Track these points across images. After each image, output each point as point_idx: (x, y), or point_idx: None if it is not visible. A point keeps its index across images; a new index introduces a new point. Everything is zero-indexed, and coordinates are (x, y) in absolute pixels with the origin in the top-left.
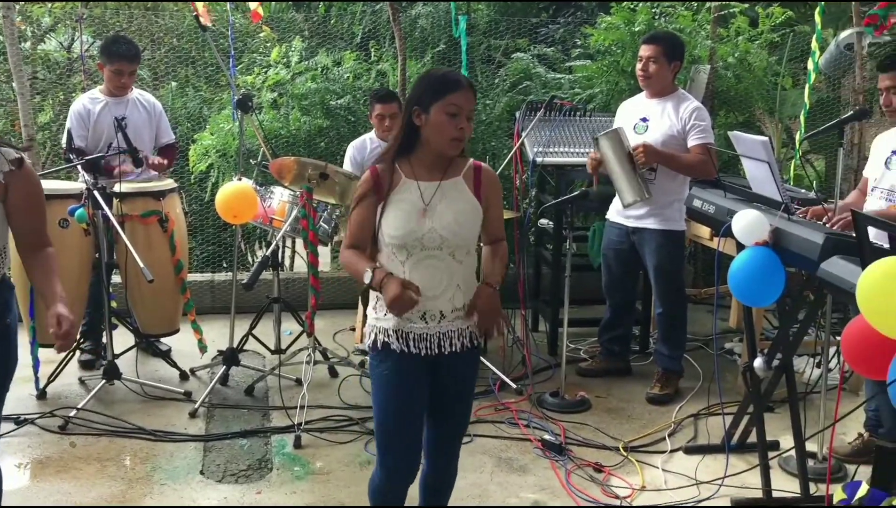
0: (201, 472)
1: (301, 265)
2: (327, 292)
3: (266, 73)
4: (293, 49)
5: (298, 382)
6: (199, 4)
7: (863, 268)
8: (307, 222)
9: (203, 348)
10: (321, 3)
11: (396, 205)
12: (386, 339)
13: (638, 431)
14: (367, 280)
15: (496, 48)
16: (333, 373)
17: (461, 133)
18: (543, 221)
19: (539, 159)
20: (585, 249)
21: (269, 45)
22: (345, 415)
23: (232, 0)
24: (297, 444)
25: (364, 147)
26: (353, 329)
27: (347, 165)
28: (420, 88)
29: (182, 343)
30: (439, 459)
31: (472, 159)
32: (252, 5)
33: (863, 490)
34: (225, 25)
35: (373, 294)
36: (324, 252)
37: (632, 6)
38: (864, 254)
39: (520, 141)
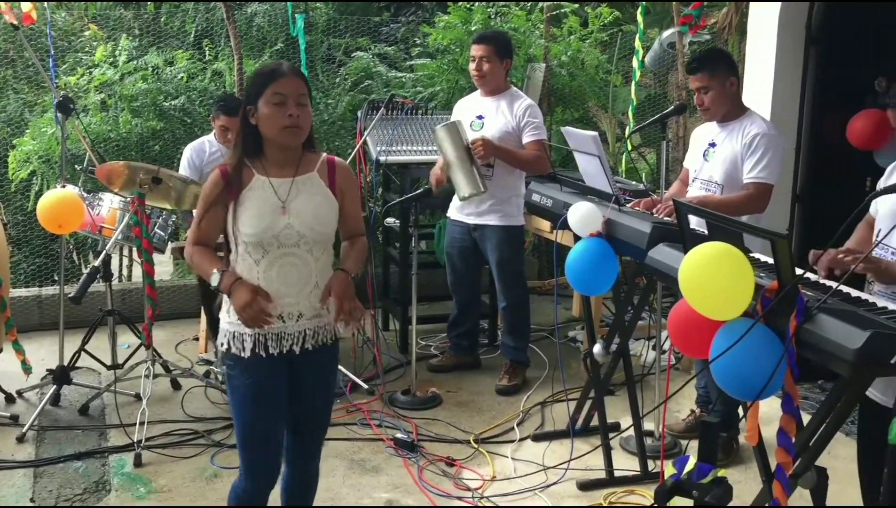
0: (31, 500)
1: (140, 275)
2: (168, 302)
3: (91, 73)
4: (120, 48)
5: (138, 397)
6: (2, 4)
7: (684, 254)
8: (140, 229)
9: (28, 369)
10: (150, 1)
11: (250, 203)
12: (242, 343)
13: (488, 423)
14: (214, 282)
15: (336, 47)
16: (176, 386)
17: (292, 120)
18: (390, 219)
19: (383, 158)
20: (433, 246)
21: (95, 43)
22: (189, 429)
23: None
24: (138, 462)
25: (203, 150)
26: (197, 339)
27: (184, 169)
28: (248, 86)
29: (6, 364)
30: (301, 461)
31: (324, 154)
32: (25, 6)
33: (690, 463)
34: (44, 23)
35: (225, 299)
36: (163, 260)
37: (468, 6)
38: (685, 240)
39: (362, 140)
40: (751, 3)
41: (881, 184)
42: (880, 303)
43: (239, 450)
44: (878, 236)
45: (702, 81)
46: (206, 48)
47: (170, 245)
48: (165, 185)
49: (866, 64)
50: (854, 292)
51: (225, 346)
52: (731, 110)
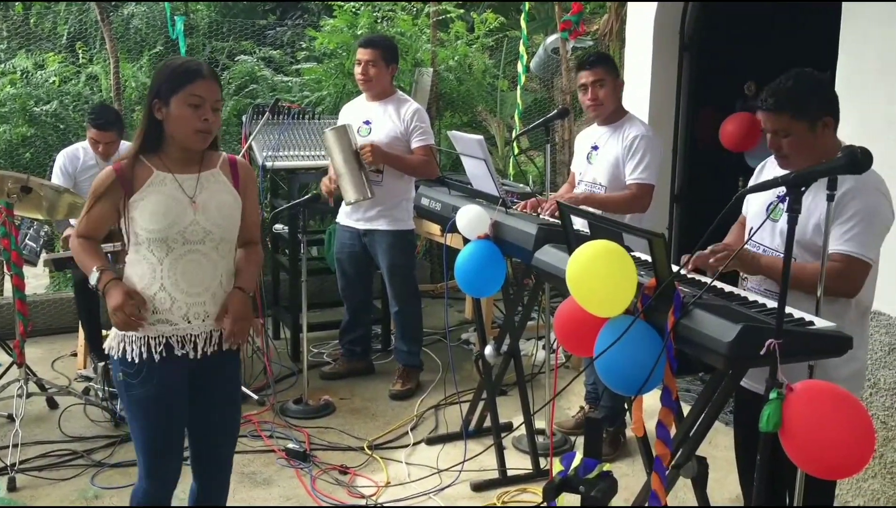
0: None
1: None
2: (44, 317)
3: None
4: None
5: (11, 418)
6: None
7: (569, 254)
8: (8, 241)
9: None
10: (17, 2)
11: (152, 198)
12: (142, 348)
13: (382, 428)
14: (93, 281)
15: (220, 50)
16: (53, 405)
17: (206, 125)
18: (278, 226)
19: (269, 164)
20: (323, 252)
21: None
22: (67, 449)
23: None
24: (12, 487)
25: (76, 157)
26: (75, 355)
27: (57, 177)
28: (159, 79)
29: None
30: (210, 474)
31: (224, 153)
32: None
33: (577, 459)
34: None
35: None
36: (37, 272)
37: (354, 9)
38: (570, 241)
39: (247, 145)
40: (628, 10)
41: (750, 183)
42: (751, 298)
43: (140, 458)
44: (749, 233)
45: (599, 75)
46: (80, 51)
47: (43, 257)
48: (36, 194)
49: (737, 69)
50: (728, 288)
51: (120, 352)
52: (616, 112)
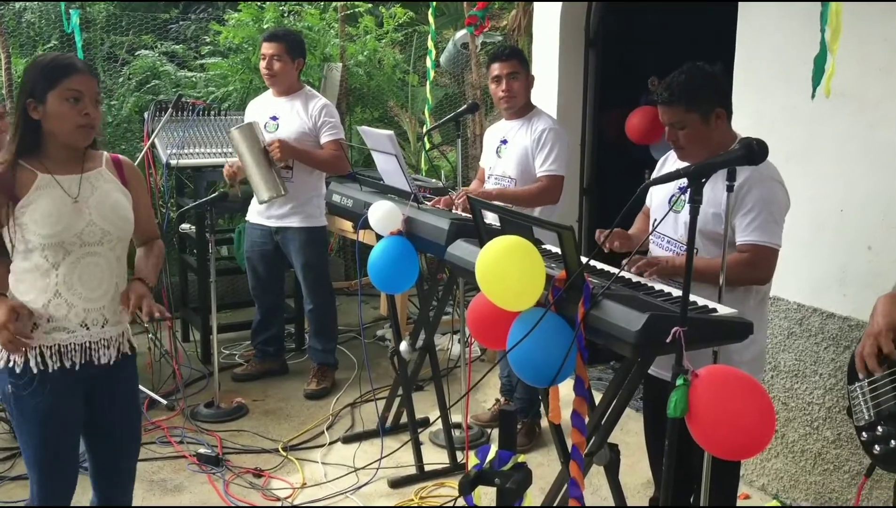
0: None
1: None
2: None
3: None
4: None
5: None
6: None
7: (480, 248)
8: None
9: None
10: None
11: (39, 203)
12: (36, 358)
13: (297, 429)
14: None
15: (119, 45)
16: None
17: (87, 119)
18: (185, 225)
19: (174, 161)
20: (233, 251)
21: None
22: None
23: None
24: None
25: None
26: None
27: None
28: (30, 77)
29: None
30: (112, 489)
31: (105, 152)
32: None
33: (492, 452)
34: None
35: None
36: None
37: (260, 4)
38: (481, 235)
39: (150, 142)
40: (535, 7)
41: (654, 175)
42: (657, 287)
43: (31, 476)
44: (653, 224)
45: (513, 67)
46: None
47: None
48: None
49: (640, 65)
50: (635, 278)
51: (10, 362)
52: (525, 106)
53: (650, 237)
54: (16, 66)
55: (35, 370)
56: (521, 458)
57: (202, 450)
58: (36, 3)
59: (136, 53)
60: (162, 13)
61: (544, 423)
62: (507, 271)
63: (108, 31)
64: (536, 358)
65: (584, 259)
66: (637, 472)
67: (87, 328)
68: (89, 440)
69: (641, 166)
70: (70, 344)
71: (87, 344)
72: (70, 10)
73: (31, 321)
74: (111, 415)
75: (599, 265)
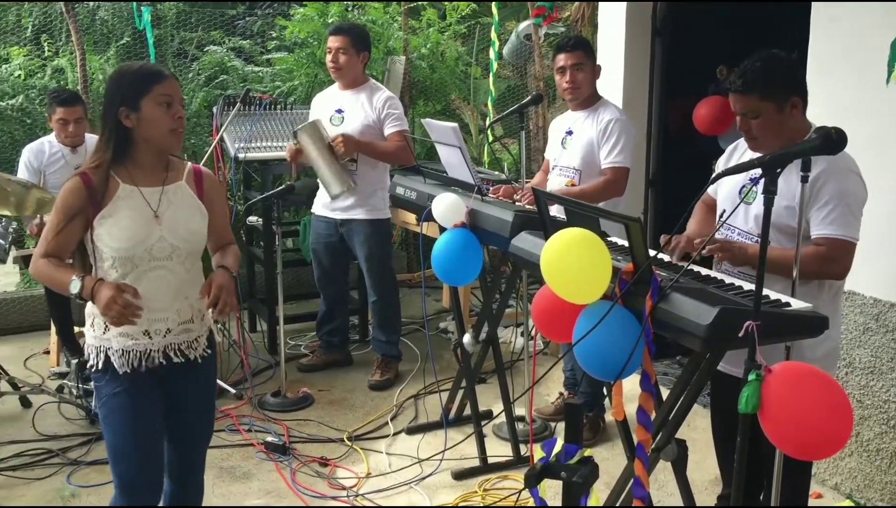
0: None
1: None
2: (15, 315)
3: None
4: None
5: None
6: None
7: (545, 241)
8: None
9: None
10: None
11: (120, 214)
12: (109, 359)
13: (361, 419)
14: (74, 290)
15: (188, 41)
16: (26, 403)
17: (179, 123)
18: (252, 218)
19: (241, 155)
20: (299, 243)
21: None
22: (42, 448)
23: None
24: None
25: (42, 151)
26: (48, 353)
27: (22, 172)
28: (119, 87)
29: None
30: (182, 475)
31: (190, 163)
32: None
33: (558, 445)
34: None
35: (88, 311)
36: (7, 270)
37: None
38: (546, 227)
39: (219, 137)
40: None
41: (719, 166)
42: (728, 280)
43: (112, 466)
44: (720, 217)
45: (578, 58)
46: (45, 44)
47: (12, 253)
48: (3, 190)
49: (708, 54)
50: (704, 271)
51: (92, 361)
52: (591, 96)
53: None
54: (90, 62)
55: (109, 369)
56: (587, 452)
57: (269, 438)
58: (109, 1)
59: (205, 49)
60: (230, 9)
61: (609, 417)
62: (574, 264)
63: (178, 28)
64: (603, 352)
65: (652, 252)
66: (704, 469)
67: (150, 338)
68: (167, 433)
69: (708, 158)
70: (133, 350)
71: (148, 351)
72: (142, 8)
73: (137, 296)
74: (186, 407)
75: (667, 258)
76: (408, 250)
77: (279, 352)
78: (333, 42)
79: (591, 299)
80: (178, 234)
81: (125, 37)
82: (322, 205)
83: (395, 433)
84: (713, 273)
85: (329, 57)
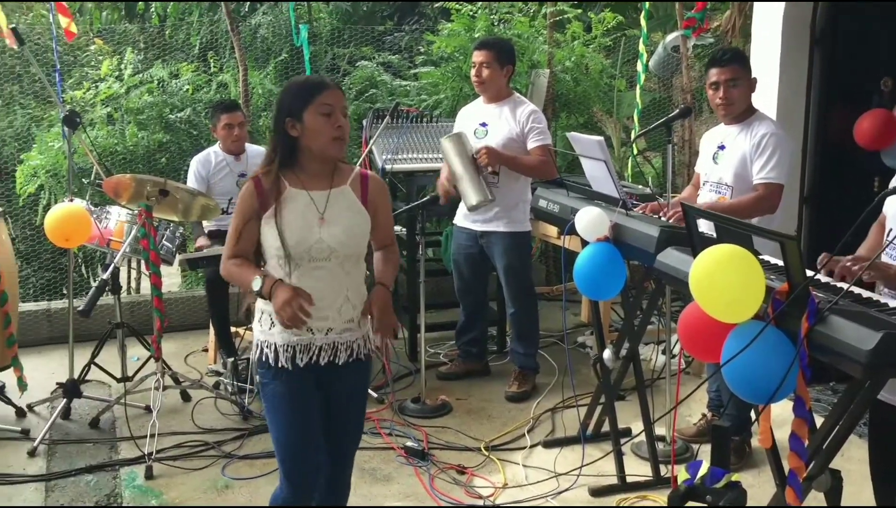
0: None
1: (148, 287)
2: (177, 314)
3: (97, 87)
4: (126, 61)
5: (148, 409)
6: (3, 24)
7: (693, 257)
8: (147, 241)
9: (23, 386)
10: (155, 13)
11: (289, 215)
12: (274, 354)
13: (498, 430)
14: (256, 287)
15: (340, 57)
16: (186, 397)
17: (340, 131)
18: (396, 227)
19: (388, 167)
20: (440, 254)
21: (101, 58)
22: (199, 440)
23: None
24: (149, 475)
25: (209, 161)
26: (206, 350)
27: (192, 181)
28: (286, 99)
29: (14, 379)
30: (332, 471)
31: (358, 168)
32: (63, 22)
33: (704, 468)
34: (50, 38)
35: (257, 308)
36: (172, 271)
37: (471, 13)
38: (694, 243)
39: (367, 149)
40: (755, 5)
41: (893, 183)
42: (892, 304)
43: (277, 457)
44: (888, 236)
45: (734, 73)
46: (211, 60)
47: (178, 257)
48: (172, 197)
49: (871, 64)
50: (865, 293)
51: (258, 355)
52: (745, 110)
53: (887, 250)
54: (250, 77)
55: (274, 364)
56: (734, 476)
57: (409, 443)
58: (270, 19)
59: (356, 64)
60: (378, 26)
61: (755, 442)
62: (725, 281)
63: (332, 44)
64: (753, 374)
65: (809, 272)
66: (858, 501)
67: (313, 334)
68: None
69: (870, 174)
70: (298, 345)
71: (311, 346)
72: (300, 26)
73: (310, 301)
74: (342, 407)
75: (824, 279)
76: (546, 262)
77: (419, 359)
78: (477, 56)
79: (742, 318)
80: (336, 237)
81: (283, 53)
82: (463, 216)
83: (532, 446)
84: (875, 296)
85: (473, 71)
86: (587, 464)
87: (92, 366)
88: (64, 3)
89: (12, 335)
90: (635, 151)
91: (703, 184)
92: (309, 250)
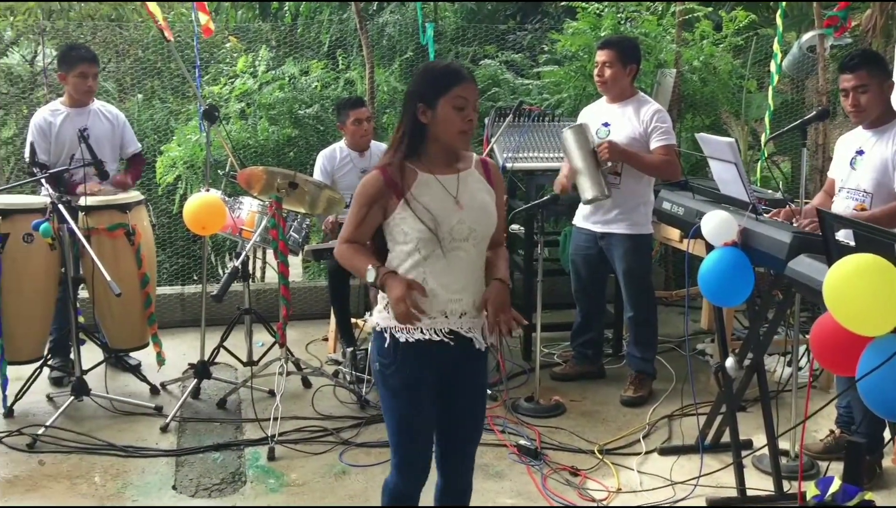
0: (174, 487)
1: (272, 276)
2: (299, 303)
3: (233, 83)
4: (259, 59)
5: (271, 393)
6: (160, 16)
7: (829, 266)
8: (276, 232)
9: (161, 361)
10: (288, 12)
11: (423, 198)
12: (399, 339)
13: (613, 434)
14: (370, 278)
15: (464, 55)
16: (307, 384)
17: (469, 126)
18: (514, 226)
19: (509, 165)
20: (557, 253)
21: (235, 55)
22: (319, 426)
23: None
24: (271, 456)
25: (334, 156)
26: (326, 339)
27: (317, 175)
28: (422, 83)
29: (152, 357)
30: (455, 472)
31: (475, 154)
32: (203, 19)
33: (835, 485)
34: (191, 36)
35: (381, 296)
36: (295, 262)
37: (598, 11)
38: (830, 252)
39: (489, 147)
40: None
41: None
42: None
43: (391, 445)
44: None
45: (861, 80)
46: (340, 58)
47: (305, 247)
48: (301, 190)
49: None
50: None
51: (380, 342)
52: (883, 115)
53: None
54: (376, 75)
55: (395, 351)
56: (868, 495)
57: (522, 442)
58: (397, 17)
59: (480, 63)
60: (501, 24)
61: (886, 462)
62: (863, 292)
63: (456, 43)
64: (892, 389)
65: None
66: None
67: (447, 317)
68: (439, 424)
69: None
70: (431, 329)
71: (444, 330)
72: (426, 24)
73: (424, 295)
74: (461, 403)
75: None
76: (666, 266)
77: (533, 359)
78: (600, 56)
79: (881, 331)
80: (475, 216)
81: (408, 51)
82: (583, 217)
83: (647, 452)
84: None
85: (596, 70)
86: (705, 474)
87: (221, 349)
88: (204, 1)
89: (153, 315)
90: (765, 155)
91: (839, 190)
92: (451, 232)
